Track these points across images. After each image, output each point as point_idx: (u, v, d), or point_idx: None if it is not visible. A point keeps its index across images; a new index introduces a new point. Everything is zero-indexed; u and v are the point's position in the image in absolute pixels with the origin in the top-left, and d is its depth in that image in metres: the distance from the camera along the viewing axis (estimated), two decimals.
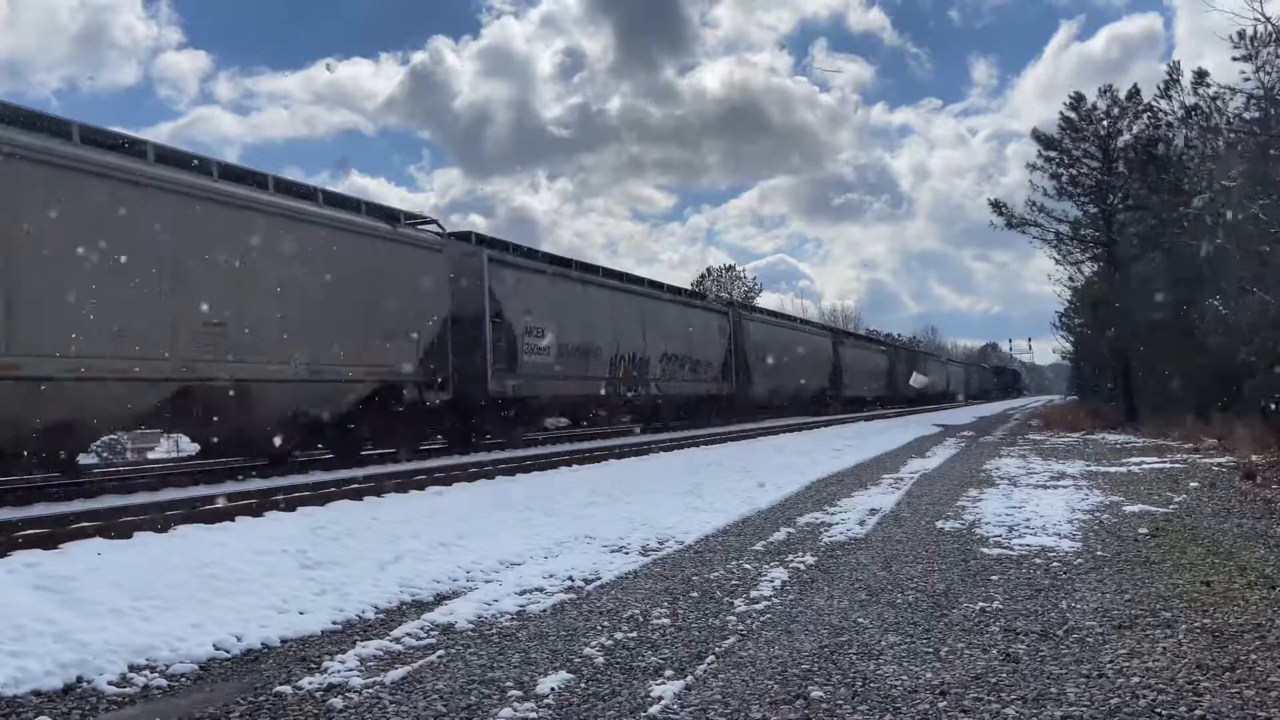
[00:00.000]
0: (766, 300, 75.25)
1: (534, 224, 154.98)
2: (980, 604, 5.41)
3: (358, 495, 9.61)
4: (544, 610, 5.60)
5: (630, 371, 24.54)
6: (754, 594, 5.86)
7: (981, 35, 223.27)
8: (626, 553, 7.42)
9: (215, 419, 12.83)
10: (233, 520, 7.84)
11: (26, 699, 4.04)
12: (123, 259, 11.13)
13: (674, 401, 27.71)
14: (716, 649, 4.65)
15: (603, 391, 23.07)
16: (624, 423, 25.60)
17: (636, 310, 25.36)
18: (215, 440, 13.82)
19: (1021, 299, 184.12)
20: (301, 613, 5.43)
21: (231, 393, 12.65)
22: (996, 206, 30.96)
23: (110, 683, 4.25)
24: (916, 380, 62.18)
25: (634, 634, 4.98)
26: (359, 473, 12.63)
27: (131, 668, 4.42)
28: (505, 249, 20.43)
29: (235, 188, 13.24)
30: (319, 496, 9.42)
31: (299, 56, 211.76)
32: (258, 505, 8.83)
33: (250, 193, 13.45)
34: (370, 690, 4.14)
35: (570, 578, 6.46)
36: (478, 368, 17.86)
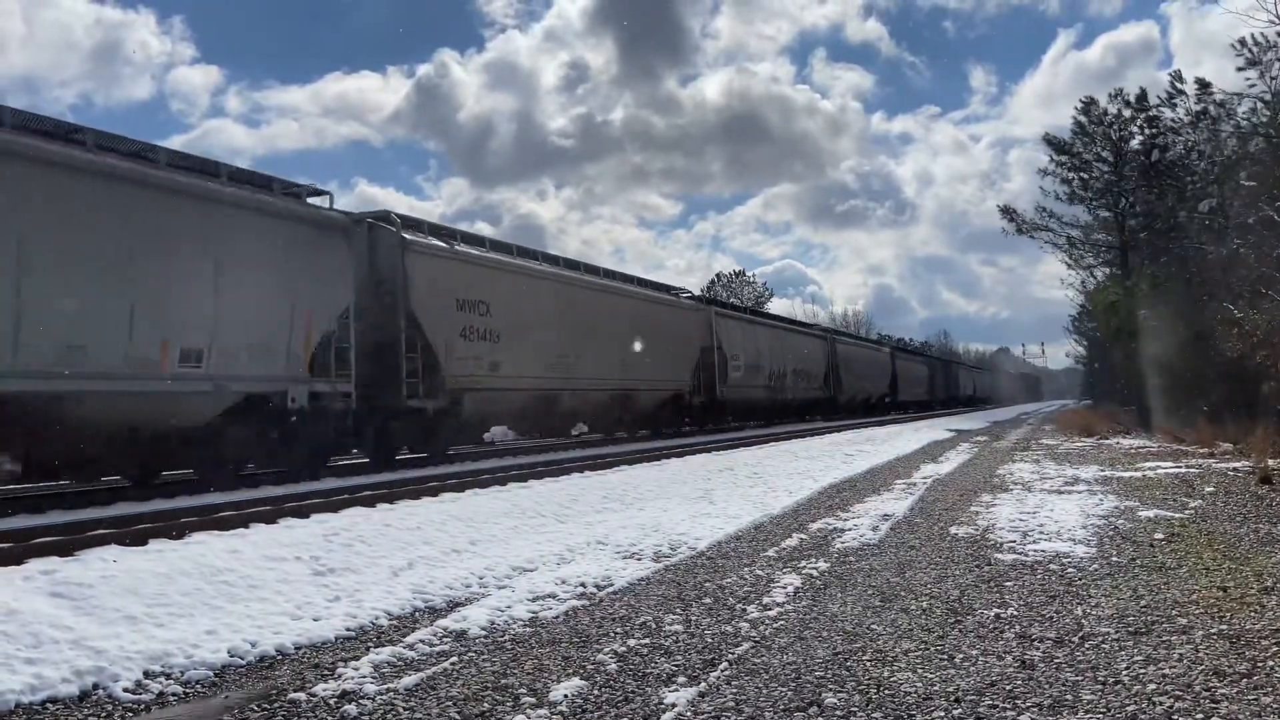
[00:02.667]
0: (776, 306, 75.62)
1: (541, 230, 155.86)
2: (995, 610, 5.38)
3: (370, 502, 9.64)
4: (557, 616, 5.60)
5: (777, 383, 35.30)
6: (767, 600, 5.85)
7: (976, 45, 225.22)
8: (639, 559, 7.42)
9: (619, 412, 24.13)
10: (247, 527, 7.87)
11: (44, 706, 4.06)
12: (606, 328, 22.63)
13: (798, 403, 38.93)
14: (730, 656, 4.64)
15: (762, 396, 34.10)
16: (759, 420, 35.20)
17: (779, 340, 36.72)
18: (605, 424, 24.97)
19: (1030, 303, 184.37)
20: (315, 619, 5.45)
21: (630, 396, 24.10)
22: (1007, 212, 30.94)
23: (126, 690, 4.27)
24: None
25: (647, 640, 4.98)
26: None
27: (147, 674, 4.45)
28: (715, 302, 34.21)
29: (626, 285, 25.77)
30: (331, 504, 9.45)
31: (307, 70, 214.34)
32: (272, 512, 8.87)
33: (629, 287, 25.83)
34: (384, 697, 4.15)
35: (583, 584, 6.46)
36: (711, 381, 28.92)
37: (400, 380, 15.55)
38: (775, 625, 5.22)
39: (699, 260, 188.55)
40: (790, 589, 6.16)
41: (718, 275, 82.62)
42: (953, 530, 8.46)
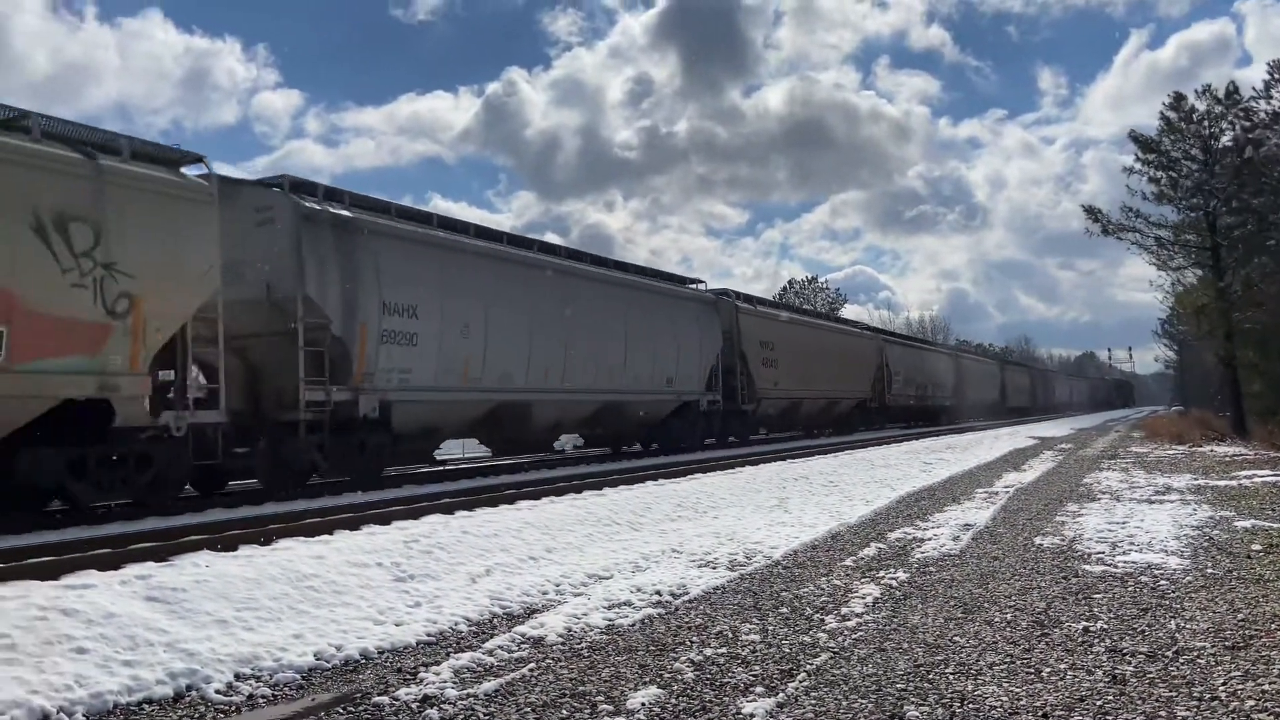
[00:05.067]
0: (848, 312, 74.84)
1: (609, 240, 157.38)
2: (1083, 623, 5.23)
3: (449, 509, 9.78)
4: (632, 624, 5.61)
5: (920, 392, 44.85)
6: (845, 610, 5.77)
7: (1042, 48, 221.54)
8: (714, 567, 7.39)
9: (828, 413, 33.98)
10: (331, 534, 8.05)
11: (140, 707, 4.21)
12: (826, 354, 32.27)
13: (934, 408, 47.87)
14: (808, 666, 4.60)
15: (913, 403, 44.17)
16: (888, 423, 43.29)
17: (921, 358, 46.91)
18: (818, 423, 34.43)
19: (1112, 307, 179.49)
20: (397, 624, 5.55)
21: (836, 402, 34.18)
22: (1091, 212, 29.99)
23: (218, 691, 4.41)
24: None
25: (723, 650, 4.96)
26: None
27: (238, 676, 4.58)
28: (883, 332, 44.80)
29: (835, 324, 39.37)
30: (412, 511, 9.61)
31: (382, 92, 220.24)
32: (354, 519, 9.06)
33: (838, 325, 39.22)
34: (465, 702, 4.21)
35: (658, 592, 6.46)
36: (882, 391, 38.80)
37: (738, 393, 25.95)
38: (854, 636, 5.15)
39: (766, 268, 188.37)
40: (869, 599, 6.07)
41: (790, 282, 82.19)
42: (1037, 540, 8.25)
